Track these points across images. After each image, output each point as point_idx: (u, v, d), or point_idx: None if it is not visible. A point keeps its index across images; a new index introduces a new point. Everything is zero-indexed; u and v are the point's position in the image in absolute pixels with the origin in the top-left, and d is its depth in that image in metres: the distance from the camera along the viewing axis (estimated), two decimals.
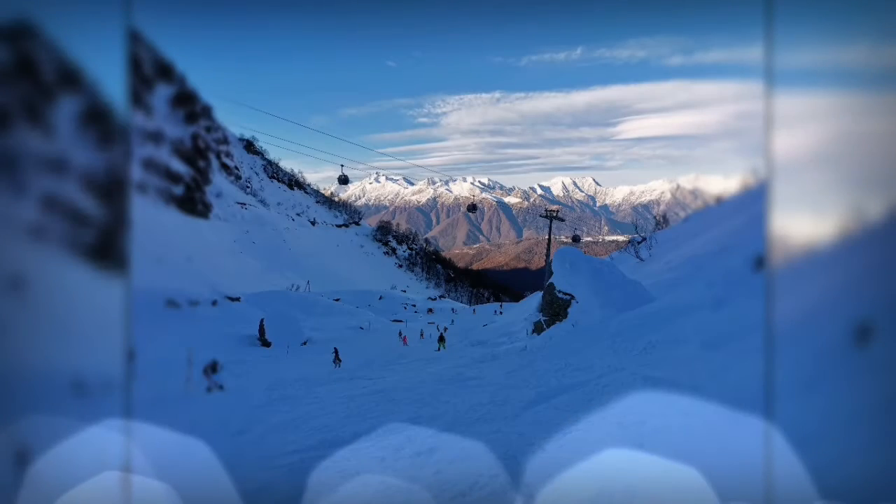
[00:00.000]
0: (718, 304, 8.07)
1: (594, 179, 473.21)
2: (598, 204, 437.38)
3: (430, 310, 55.61)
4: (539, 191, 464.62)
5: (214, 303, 19.20)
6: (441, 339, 21.77)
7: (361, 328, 31.38)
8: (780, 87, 3.65)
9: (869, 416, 3.24)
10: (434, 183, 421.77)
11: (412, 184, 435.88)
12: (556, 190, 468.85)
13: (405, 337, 26.71)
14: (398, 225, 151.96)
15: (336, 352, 16.98)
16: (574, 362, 8.52)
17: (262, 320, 21.54)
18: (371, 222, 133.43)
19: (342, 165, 22.24)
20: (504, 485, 3.92)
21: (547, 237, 25.50)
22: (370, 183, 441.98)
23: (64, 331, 4.05)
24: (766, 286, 3.74)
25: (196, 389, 8.61)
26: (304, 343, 23.01)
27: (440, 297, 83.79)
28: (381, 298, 55.02)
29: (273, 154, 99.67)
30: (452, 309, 59.34)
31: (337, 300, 39.72)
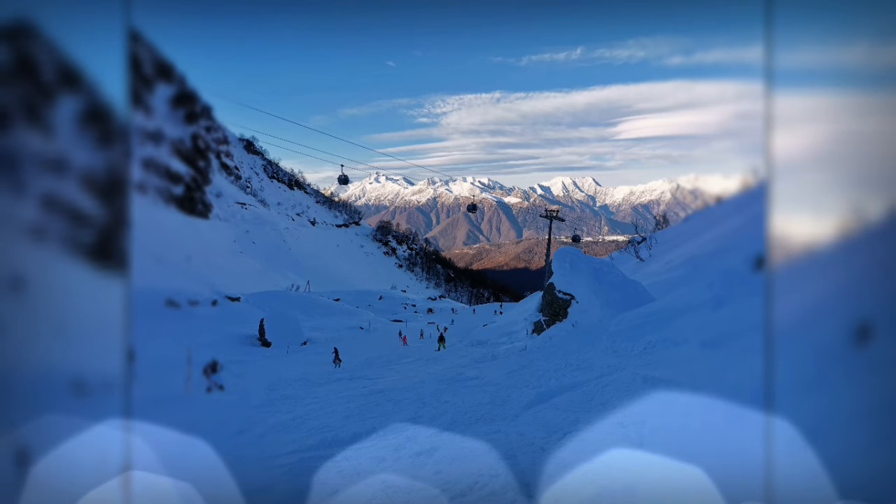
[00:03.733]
0: (718, 304, 8.06)
1: (594, 179, 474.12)
2: (598, 204, 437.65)
3: (430, 310, 55.57)
4: (539, 191, 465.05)
5: (214, 303, 19.19)
6: (441, 339, 21.76)
7: (361, 328, 31.39)
8: (779, 87, 3.65)
9: (869, 416, 3.24)
10: (434, 183, 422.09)
11: (412, 184, 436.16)
12: (556, 190, 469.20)
13: (405, 337, 26.71)
14: (398, 225, 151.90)
15: (336, 352, 17.01)
16: (574, 362, 8.51)
17: (262, 320, 21.56)
18: (371, 222, 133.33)
19: (342, 165, 22.22)
20: (504, 485, 3.92)
21: (547, 237, 25.48)
22: (370, 183, 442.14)
23: (64, 331, 4.05)
24: (766, 286, 3.73)
25: (196, 389, 8.60)
26: (304, 343, 23.02)
27: (440, 297, 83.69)
28: (381, 298, 55.03)
29: (273, 154, 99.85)
30: (452, 309, 59.30)
31: (337, 300, 39.70)
